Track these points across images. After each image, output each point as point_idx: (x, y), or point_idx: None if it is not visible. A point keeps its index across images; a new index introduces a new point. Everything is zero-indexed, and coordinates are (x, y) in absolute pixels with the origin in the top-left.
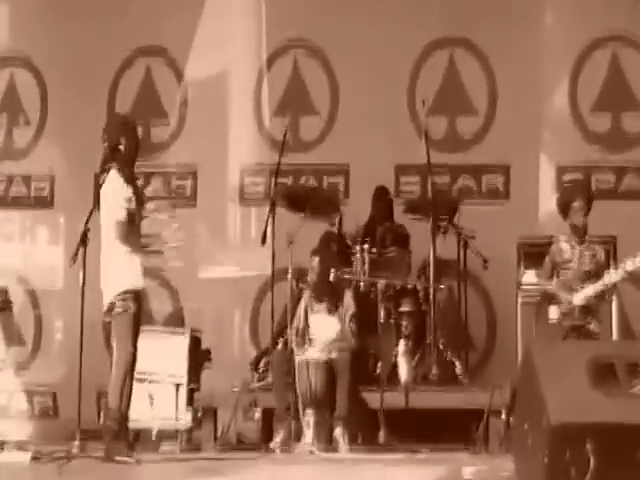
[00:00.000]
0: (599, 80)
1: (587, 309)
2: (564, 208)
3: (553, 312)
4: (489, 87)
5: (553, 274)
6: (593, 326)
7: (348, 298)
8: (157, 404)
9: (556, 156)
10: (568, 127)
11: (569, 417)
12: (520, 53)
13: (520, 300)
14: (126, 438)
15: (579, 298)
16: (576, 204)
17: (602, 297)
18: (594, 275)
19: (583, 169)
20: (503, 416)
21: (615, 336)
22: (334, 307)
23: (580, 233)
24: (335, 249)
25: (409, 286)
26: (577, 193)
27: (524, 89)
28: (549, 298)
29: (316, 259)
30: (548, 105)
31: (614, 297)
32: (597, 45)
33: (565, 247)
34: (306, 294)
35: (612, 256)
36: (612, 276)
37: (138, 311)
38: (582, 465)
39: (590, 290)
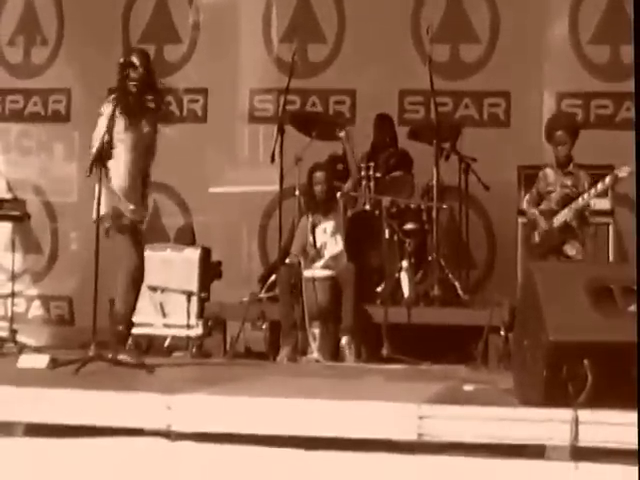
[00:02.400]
0: (599, 11)
1: (565, 232)
2: (548, 137)
3: (536, 236)
4: (491, 15)
5: (539, 201)
6: (569, 249)
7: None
8: (169, 314)
9: (556, 84)
10: (568, 56)
11: (567, 335)
12: None
13: (520, 222)
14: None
15: (557, 220)
16: (558, 135)
17: (583, 220)
18: (574, 199)
19: (582, 97)
20: (502, 333)
21: (612, 259)
22: (331, 212)
23: (562, 163)
24: (341, 170)
25: (413, 206)
26: (560, 125)
27: (526, 18)
28: (533, 224)
29: (321, 173)
30: (549, 34)
31: (610, 220)
32: None
33: (550, 174)
34: (311, 210)
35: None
36: (590, 194)
37: (124, 228)
38: (579, 381)
39: (567, 212)
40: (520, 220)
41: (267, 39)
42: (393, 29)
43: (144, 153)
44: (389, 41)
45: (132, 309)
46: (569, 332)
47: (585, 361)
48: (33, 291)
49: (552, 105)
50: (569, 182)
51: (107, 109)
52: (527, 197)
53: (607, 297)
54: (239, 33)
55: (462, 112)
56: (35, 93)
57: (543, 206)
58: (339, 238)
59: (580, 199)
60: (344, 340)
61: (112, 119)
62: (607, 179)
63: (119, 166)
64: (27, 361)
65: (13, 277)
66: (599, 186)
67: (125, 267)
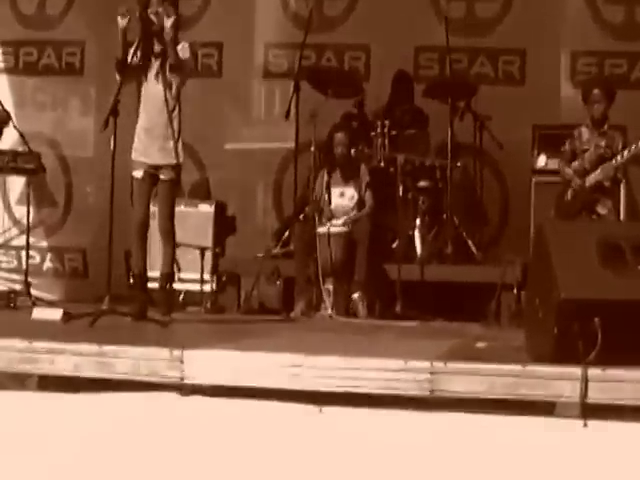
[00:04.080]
0: None
1: (597, 192)
2: (585, 97)
3: (569, 194)
4: None
5: (572, 159)
6: (600, 208)
7: (363, 169)
8: (183, 268)
9: (571, 43)
10: (583, 15)
11: (578, 292)
12: None
13: (534, 181)
14: (163, 299)
15: (589, 180)
16: (594, 93)
17: (615, 180)
18: (608, 159)
19: (597, 56)
20: (514, 291)
21: (623, 218)
22: (352, 179)
23: (597, 123)
24: (356, 127)
25: (427, 163)
26: (597, 84)
27: None
28: (567, 182)
29: (342, 135)
30: None
31: (622, 180)
32: None
33: (584, 133)
34: (327, 167)
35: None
36: (623, 156)
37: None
38: (589, 339)
39: (599, 173)
40: (534, 179)
41: None
42: None
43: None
44: None
45: (140, 261)
46: (580, 290)
47: (596, 319)
48: (47, 244)
49: (567, 64)
50: (603, 142)
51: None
52: (543, 158)
53: (618, 255)
54: None
55: (477, 69)
56: (49, 45)
57: (576, 165)
58: (353, 190)
59: (614, 160)
60: (357, 295)
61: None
62: None
63: (143, 109)
64: (41, 314)
65: (28, 230)
66: (633, 148)
67: (133, 218)
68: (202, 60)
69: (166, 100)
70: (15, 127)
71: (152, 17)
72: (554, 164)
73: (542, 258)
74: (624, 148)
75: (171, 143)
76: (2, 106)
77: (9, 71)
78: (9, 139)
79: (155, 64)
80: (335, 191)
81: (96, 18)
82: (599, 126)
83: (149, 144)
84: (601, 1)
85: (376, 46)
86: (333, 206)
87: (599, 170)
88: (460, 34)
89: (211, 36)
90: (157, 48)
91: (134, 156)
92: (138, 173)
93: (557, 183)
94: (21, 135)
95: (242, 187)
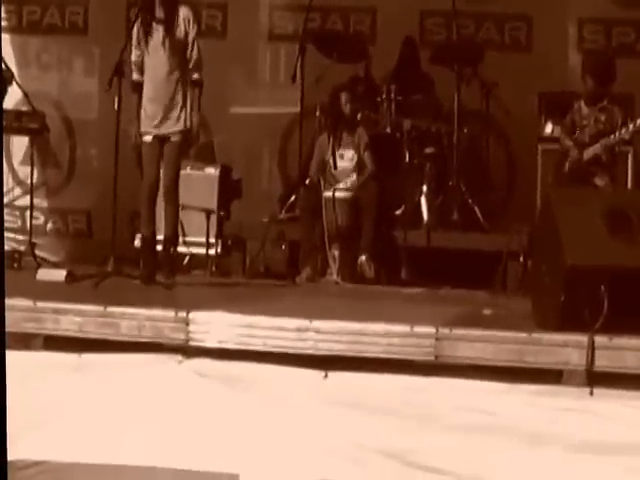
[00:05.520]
0: None
1: (595, 165)
2: (584, 72)
3: (566, 165)
4: None
5: (573, 131)
6: (598, 180)
7: (361, 130)
8: (188, 232)
9: (578, 10)
10: None
11: (585, 259)
12: None
13: (540, 148)
14: (166, 262)
15: (587, 153)
16: (592, 74)
17: (613, 153)
18: (608, 134)
19: (604, 23)
20: (521, 259)
21: (630, 187)
22: (351, 140)
23: (596, 98)
24: (362, 91)
25: (433, 129)
26: (597, 61)
27: None
28: (565, 152)
29: (344, 95)
30: None
31: (630, 149)
32: None
33: (584, 108)
34: (330, 132)
35: (629, 114)
36: (622, 133)
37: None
38: (596, 307)
39: (598, 147)
40: (540, 147)
41: None
42: None
43: (172, 67)
44: None
45: (149, 224)
46: (587, 256)
47: (602, 286)
48: (51, 204)
49: (574, 32)
50: (603, 117)
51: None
52: (550, 126)
53: (625, 223)
54: None
55: (484, 35)
56: (52, 4)
57: (577, 136)
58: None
59: (612, 136)
60: (364, 257)
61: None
62: (639, 121)
63: (147, 80)
64: (45, 274)
65: (32, 190)
66: (631, 127)
67: (143, 181)
68: (206, 21)
69: (171, 67)
70: (19, 86)
71: None
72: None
73: (549, 226)
74: (624, 123)
75: (177, 110)
76: (6, 65)
77: (12, 30)
78: (13, 98)
79: (158, 30)
80: (337, 152)
81: None
82: (597, 101)
83: (155, 114)
84: None
85: (382, 9)
86: (337, 168)
87: (598, 144)
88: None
89: None
90: (159, 14)
91: (142, 127)
92: (147, 137)
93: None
94: (25, 94)
95: (247, 151)
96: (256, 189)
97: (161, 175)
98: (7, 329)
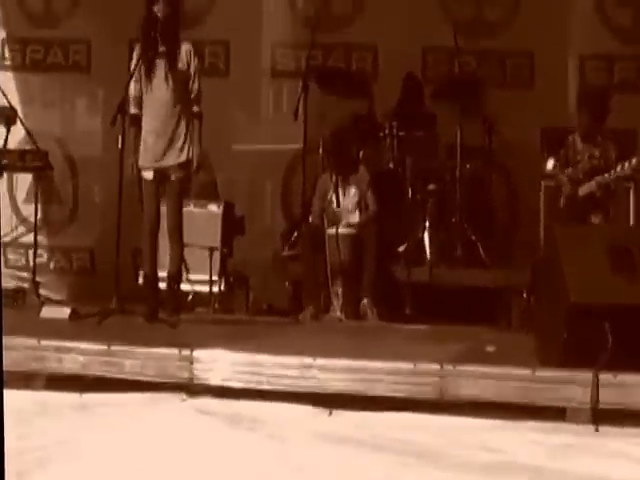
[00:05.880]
0: None
1: (590, 202)
2: (578, 109)
3: (561, 201)
4: None
5: (567, 165)
6: (593, 217)
7: (362, 169)
8: (191, 269)
9: (580, 46)
10: (592, 18)
11: (588, 297)
12: None
13: (543, 184)
14: (170, 300)
15: (582, 190)
16: (586, 109)
17: (608, 190)
18: (602, 171)
19: (606, 59)
20: (524, 294)
21: (632, 222)
22: (353, 178)
23: (591, 134)
24: (364, 128)
25: (436, 165)
26: (591, 97)
27: None
28: (559, 189)
29: (347, 133)
30: None
31: (632, 185)
32: None
33: (577, 142)
34: (333, 170)
35: (631, 151)
36: (619, 170)
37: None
38: (600, 343)
39: (593, 184)
40: (544, 183)
41: None
42: None
43: (174, 101)
44: None
45: (151, 261)
46: (590, 294)
47: (606, 323)
48: (55, 242)
49: (576, 67)
50: (597, 153)
51: (136, 53)
52: (551, 162)
53: (628, 260)
54: None
55: (485, 71)
56: (55, 43)
57: (570, 172)
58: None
59: (607, 175)
60: (365, 301)
61: (139, 64)
62: (634, 160)
63: (148, 114)
64: (49, 312)
65: (35, 228)
66: (627, 165)
67: (144, 219)
68: (209, 59)
69: (173, 101)
70: (23, 124)
71: (159, 15)
72: None
73: (551, 262)
74: (621, 160)
75: (180, 142)
76: (9, 103)
77: (16, 68)
78: (16, 137)
79: (161, 65)
80: (340, 190)
81: (103, 16)
82: (592, 137)
83: (157, 147)
84: (610, 3)
85: (384, 46)
86: (339, 206)
87: (593, 182)
88: (468, 36)
89: (218, 34)
90: (162, 48)
91: (141, 162)
92: (148, 174)
93: None
94: (28, 133)
95: (250, 187)
96: (259, 226)
97: (163, 212)
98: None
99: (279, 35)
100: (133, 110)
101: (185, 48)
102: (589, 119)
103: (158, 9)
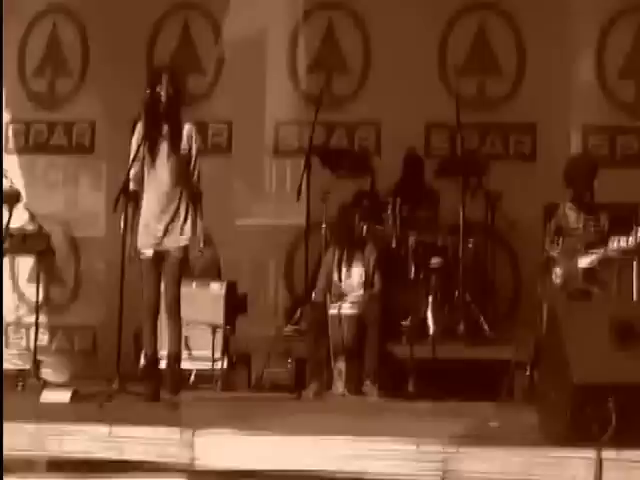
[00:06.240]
0: (626, 46)
1: (590, 274)
2: (569, 182)
3: (556, 275)
4: (518, 49)
5: (556, 237)
6: (596, 290)
7: (370, 247)
8: (194, 348)
9: (582, 119)
10: (595, 91)
11: (592, 376)
12: (549, 17)
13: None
14: (171, 379)
15: (583, 263)
16: (580, 181)
17: (606, 262)
18: (598, 243)
19: (609, 132)
20: (527, 370)
21: (636, 298)
22: (360, 257)
23: (585, 206)
24: (367, 206)
25: (439, 242)
26: (581, 170)
27: (552, 52)
28: (553, 261)
29: (352, 212)
30: (575, 69)
31: (635, 258)
32: (624, 13)
33: (570, 214)
34: (334, 247)
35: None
36: (618, 243)
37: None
38: (603, 422)
39: (594, 256)
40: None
41: (292, 71)
42: (419, 61)
43: (175, 181)
44: (415, 73)
45: (151, 342)
46: (593, 373)
47: (609, 402)
48: (56, 322)
49: (578, 140)
50: (592, 223)
51: (137, 133)
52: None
53: (631, 337)
54: (264, 65)
55: (488, 146)
56: (59, 124)
57: (566, 244)
58: (362, 269)
59: (607, 248)
60: (368, 382)
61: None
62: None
63: (149, 193)
64: (50, 396)
65: (37, 309)
66: (630, 240)
67: (143, 300)
68: (212, 137)
69: (175, 181)
70: (26, 207)
71: (162, 95)
72: None
73: (554, 339)
74: (611, 229)
75: (180, 223)
76: (12, 185)
77: (20, 150)
78: (19, 218)
79: (163, 145)
80: (344, 269)
81: (106, 96)
82: (586, 207)
83: (157, 227)
84: (612, 76)
85: (386, 123)
86: (343, 285)
87: (593, 256)
88: (471, 110)
89: (221, 113)
90: (164, 128)
91: (141, 241)
92: (147, 254)
93: None
94: (31, 215)
95: (253, 265)
96: (262, 303)
97: (162, 291)
98: (9, 453)
99: (282, 113)
100: (132, 187)
101: (187, 130)
102: (581, 188)
103: (161, 89)
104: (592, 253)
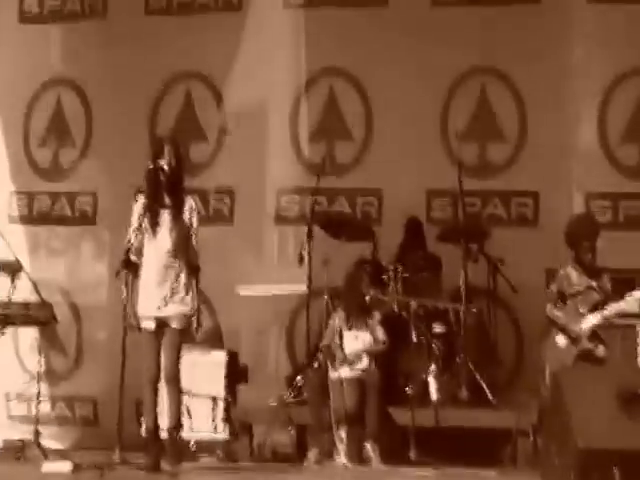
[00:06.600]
0: (628, 111)
1: (594, 335)
2: (572, 243)
3: (560, 338)
4: (520, 115)
5: (558, 300)
6: (600, 351)
7: (373, 312)
8: (195, 418)
9: (585, 184)
10: (597, 156)
11: (596, 442)
12: (550, 83)
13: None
14: (171, 449)
15: (587, 326)
16: (585, 245)
17: (609, 325)
18: (602, 304)
19: (611, 197)
20: (531, 436)
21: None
22: (366, 323)
23: (587, 267)
24: (369, 272)
25: (441, 307)
26: (583, 230)
27: (554, 117)
28: (556, 324)
29: (356, 279)
30: (577, 134)
31: (639, 323)
32: (626, 76)
33: (573, 276)
34: (340, 313)
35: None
36: (620, 305)
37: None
38: None
39: (597, 318)
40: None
41: (294, 139)
42: (421, 127)
43: (175, 252)
44: (417, 140)
45: (152, 413)
46: (598, 439)
47: (614, 468)
48: (58, 392)
49: (581, 205)
50: (594, 283)
51: (138, 204)
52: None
53: (636, 402)
54: (266, 133)
55: (490, 211)
56: (62, 195)
57: (568, 307)
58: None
59: (611, 309)
60: (369, 444)
61: (142, 214)
62: None
63: (149, 263)
64: (51, 467)
65: (39, 379)
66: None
67: (144, 371)
68: (214, 206)
69: (175, 252)
70: (28, 276)
71: (165, 168)
72: None
73: (557, 405)
74: (615, 290)
75: (181, 294)
76: (14, 256)
77: (23, 220)
78: (22, 288)
79: (164, 217)
80: (349, 335)
81: (109, 167)
82: (589, 269)
83: (158, 297)
84: (615, 142)
85: (388, 190)
86: (347, 350)
87: (598, 316)
88: (473, 176)
89: (223, 181)
90: (167, 200)
91: (142, 311)
92: (148, 324)
93: None
94: (34, 285)
95: (255, 332)
96: (263, 371)
97: (162, 361)
98: None
99: (284, 181)
100: (132, 258)
101: (188, 204)
102: (585, 250)
103: (164, 162)
104: (595, 314)
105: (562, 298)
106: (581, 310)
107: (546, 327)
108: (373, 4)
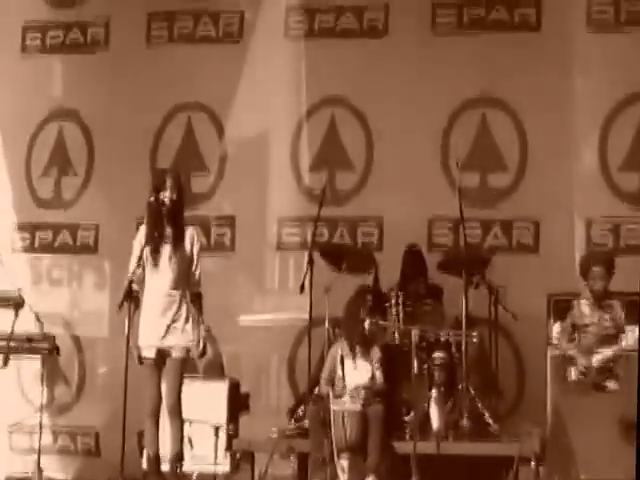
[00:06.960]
0: (629, 138)
1: (605, 368)
2: (584, 273)
3: (572, 373)
4: (520, 144)
5: (573, 336)
6: (612, 384)
7: (374, 341)
8: (196, 448)
9: (586, 210)
10: (598, 183)
11: (598, 472)
12: (551, 111)
13: (550, 353)
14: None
15: (598, 360)
16: (596, 270)
17: (620, 357)
18: (614, 336)
19: (612, 223)
20: (532, 465)
21: None
22: (367, 354)
23: (600, 298)
24: (370, 301)
25: (442, 337)
26: (597, 260)
27: (554, 147)
28: (569, 360)
29: (358, 310)
30: (578, 162)
31: None
32: (627, 104)
33: (585, 310)
34: (341, 343)
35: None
36: (630, 339)
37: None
38: None
39: (609, 352)
40: (550, 352)
41: (295, 168)
42: (421, 156)
43: (177, 283)
44: (417, 168)
45: (153, 444)
46: (600, 469)
47: None
48: (60, 423)
49: (582, 232)
50: (607, 316)
51: (140, 235)
52: (558, 328)
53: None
54: (267, 162)
55: (491, 239)
56: (64, 227)
57: (581, 341)
58: (368, 367)
59: (625, 340)
60: (371, 476)
61: (144, 246)
62: None
63: (150, 294)
64: None
65: (41, 411)
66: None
67: (145, 402)
68: (215, 236)
69: (176, 282)
70: (30, 308)
71: (166, 200)
72: None
73: (560, 435)
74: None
75: (181, 323)
76: (18, 290)
77: (26, 249)
78: (24, 321)
79: (165, 248)
80: (349, 365)
81: (111, 199)
82: (601, 300)
83: (159, 327)
84: (616, 168)
85: (389, 218)
86: (347, 380)
87: (610, 350)
88: (473, 204)
89: (224, 210)
90: (168, 231)
91: (142, 341)
92: (148, 353)
93: None
94: (36, 317)
95: (256, 361)
96: (265, 400)
97: (163, 391)
98: None
99: (285, 210)
100: (135, 288)
101: (189, 233)
102: (599, 283)
103: (164, 195)
104: (607, 349)
105: (575, 331)
106: (592, 343)
107: (559, 363)
108: (373, 34)
